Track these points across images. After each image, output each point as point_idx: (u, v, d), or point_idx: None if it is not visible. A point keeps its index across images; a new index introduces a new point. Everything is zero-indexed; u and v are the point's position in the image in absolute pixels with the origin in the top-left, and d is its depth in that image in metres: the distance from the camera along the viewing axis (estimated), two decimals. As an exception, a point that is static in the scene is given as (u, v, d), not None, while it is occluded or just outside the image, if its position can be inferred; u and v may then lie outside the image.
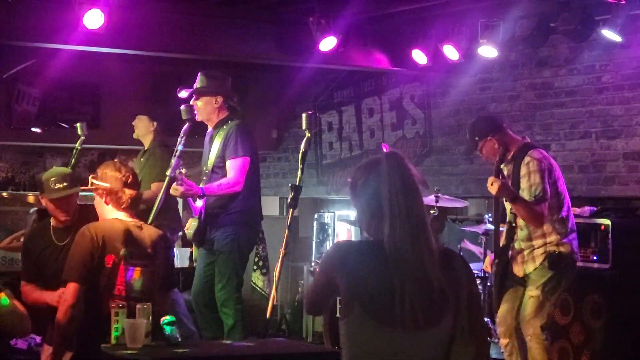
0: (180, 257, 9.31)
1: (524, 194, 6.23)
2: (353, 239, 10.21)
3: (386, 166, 3.10)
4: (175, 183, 6.58)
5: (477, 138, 6.54)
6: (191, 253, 8.38)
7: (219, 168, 6.84)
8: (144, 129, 8.15)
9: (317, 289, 3.27)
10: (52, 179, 5.65)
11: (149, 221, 7.02)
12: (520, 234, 6.40)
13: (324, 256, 3.25)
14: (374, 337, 3.04)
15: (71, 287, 4.92)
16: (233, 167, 6.77)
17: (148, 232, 5.24)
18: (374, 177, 3.12)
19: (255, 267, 9.04)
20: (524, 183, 6.26)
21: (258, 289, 9.06)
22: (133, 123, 8.21)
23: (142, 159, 8.16)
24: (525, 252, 6.36)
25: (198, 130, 7.10)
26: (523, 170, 6.28)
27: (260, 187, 7.26)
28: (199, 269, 7.05)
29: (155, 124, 8.15)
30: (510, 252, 6.41)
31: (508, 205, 6.41)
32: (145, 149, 8.19)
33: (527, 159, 6.30)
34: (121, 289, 4.96)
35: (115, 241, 5.00)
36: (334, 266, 3.13)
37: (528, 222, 6.29)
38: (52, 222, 5.75)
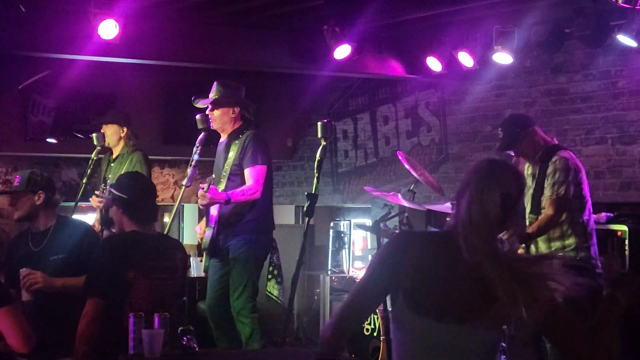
0: (196, 266, 9.31)
1: (546, 191, 6.23)
2: (369, 247, 10.21)
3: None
4: (201, 190, 6.55)
5: (519, 130, 6.45)
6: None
7: (235, 176, 6.83)
8: (114, 136, 8.08)
9: (367, 284, 3.13)
10: None
11: (166, 230, 7.03)
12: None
13: (383, 245, 3.15)
14: (413, 328, 3.04)
15: (93, 302, 4.82)
16: (252, 175, 6.76)
17: (168, 244, 5.22)
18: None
19: (270, 276, 9.03)
20: (548, 180, 6.25)
21: (274, 297, 9.05)
22: (102, 131, 8.10)
23: (112, 164, 8.07)
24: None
25: (213, 140, 7.10)
26: (550, 169, 6.27)
27: (273, 197, 7.25)
28: (212, 280, 7.00)
29: (125, 129, 8.10)
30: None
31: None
32: (117, 155, 8.10)
33: (555, 157, 6.30)
34: (142, 303, 4.87)
35: (137, 254, 4.93)
36: (394, 254, 3.09)
37: (550, 230, 6.28)
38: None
